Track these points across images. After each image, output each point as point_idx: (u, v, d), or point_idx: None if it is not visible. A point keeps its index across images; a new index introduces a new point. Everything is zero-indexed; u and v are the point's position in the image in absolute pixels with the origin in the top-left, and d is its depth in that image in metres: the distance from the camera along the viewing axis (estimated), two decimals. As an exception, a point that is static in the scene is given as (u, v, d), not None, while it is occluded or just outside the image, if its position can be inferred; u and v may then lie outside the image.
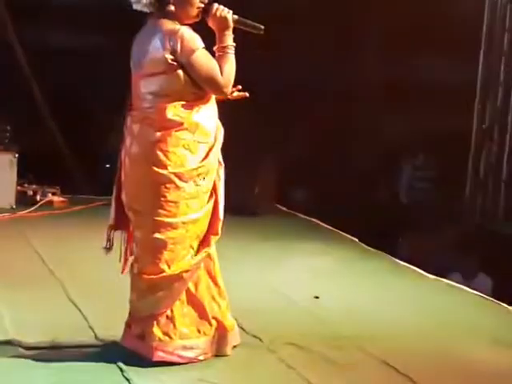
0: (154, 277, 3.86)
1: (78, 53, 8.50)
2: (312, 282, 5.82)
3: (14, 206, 7.69)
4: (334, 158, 8.93)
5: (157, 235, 3.84)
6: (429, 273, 6.26)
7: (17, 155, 7.78)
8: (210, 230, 3.92)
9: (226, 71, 3.79)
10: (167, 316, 3.90)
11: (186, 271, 3.84)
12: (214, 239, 3.93)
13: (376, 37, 9.18)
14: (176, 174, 3.79)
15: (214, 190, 3.95)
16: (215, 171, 3.94)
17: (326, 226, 7.76)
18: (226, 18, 3.82)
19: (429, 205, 9.29)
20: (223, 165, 3.99)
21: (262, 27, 3.89)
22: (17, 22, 8.39)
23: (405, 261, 6.62)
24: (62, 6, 8.72)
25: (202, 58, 3.77)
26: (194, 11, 3.83)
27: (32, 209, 7.66)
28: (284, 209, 8.43)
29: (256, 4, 8.30)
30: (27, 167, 8.01)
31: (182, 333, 3.90)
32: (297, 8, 8.66)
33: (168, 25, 3.80)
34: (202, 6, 3.85)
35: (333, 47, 8.61)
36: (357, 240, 7.20)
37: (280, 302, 5.27)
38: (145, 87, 3.85)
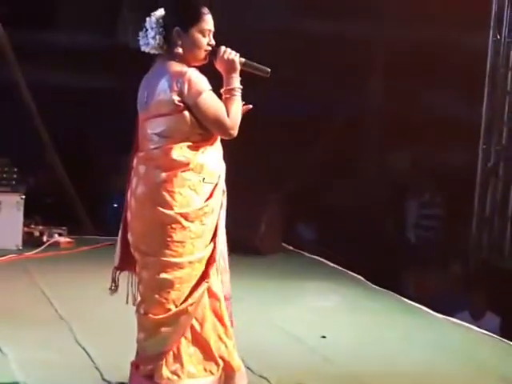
0: (161, 317, 3.86)
1: (83, 93, 8.56)
2: (319, 321, 5.81)
3: (21, 247, 7.70)
4: (339, 196, 8.93)
5: (163, 275, 3.84)
6: (436, 311, 6.24)
7: (23, 196, 7.81)
8: (209, 259, 3.91)
9: (233, 113, 3.81)
10: (174, 355, 3.88)
11: (191, 305, 3.84)
12: (212, 269, 3.89)
13: (381, 74, 9.22)
14: (182, 215, 3.80)
15: (217, 220, 3.95)
16: (220, 208, 3.95)
17: (332, 264, 7.75)
18: (233, 61, 3.84)
19: (435, 242, 9.28)
20: (226, 192, 3.98)
21: (269, 70, 3.91)
22: (22, 62, 8.45)
23: (412, 299, 6.60)
24: (68, 47, 8.81)
25: (209, 100, 3.78)
26: (202, 54, 3.86)
27: (39, 250, 7.66)
28: (290, 247, 8.42)
29: (263, 44, 8.42)
30: (34, 208, 8.04)
31: (189, 372, 3.88)
32: (304, 47, 8.70)
33: (175, 67, 3.83)
34: (210, 48, 3.87)
35: (336, 83, 8.64)
36: (363, 278, 7.18)
37: (287, 342, 5.25)
38: (151, 128, 3.87)
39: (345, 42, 8.71)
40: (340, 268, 7.60)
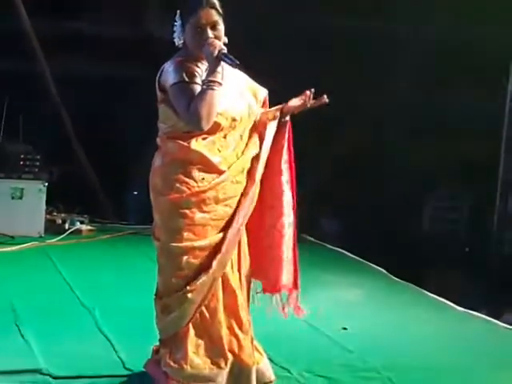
0: (163, 299, 3.89)
1: (108, 82, 8.56)
2: (340, 313, 5.80)
3: (43, 235, 7.75)
4: (362, 189, 8.90)
5: (162, 260, 3.89)
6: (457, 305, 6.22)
7: (46, 184, 7.85)
8: (214, 249, 3.86)
9: (194, 106, 3.65)
10: (180, 344, 3.88)
11: (190, 291, 3.82)
12: (215, 259, 3.84)
13: (405, 68, 9.18)
14: (174, 201, 3.79)
15: (237, 206, 3.91)
16: (234, 200, 3.90)
17: (353, 256, 7.74)
18: (211, 54, 3.70)
19: (457, 237, 9.24)
20: (257, 184, 3.94)
21: (238, 62, 3.78)
22: (47, 51, 8.48)
23: (433, 293, 6.57)
24: (93, 36, 8.82)
25: (175, 90, 3.72)
26: (200, 48, 3.76)
27: (60, 237, 7.71)
28: (312, 239, 8.41)
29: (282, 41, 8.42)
30: (56, 196, 8.08)
31: (193, 363, 3.86)
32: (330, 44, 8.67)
33: (175, 57, 3.84)
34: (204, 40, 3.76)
35: (359, 78, 8.61)
36: (385, 271, 7.16)
37: (308, 334, 5.25)
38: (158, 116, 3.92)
39: (368, 38, 8.66)
40: (362, 260, 7.59)
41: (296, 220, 4.09)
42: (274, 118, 4.04)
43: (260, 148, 3.98)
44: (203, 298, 3.85)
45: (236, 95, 3.92)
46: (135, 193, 8.50)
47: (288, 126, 4.08)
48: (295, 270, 4.18)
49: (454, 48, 8.56)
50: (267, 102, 4.12)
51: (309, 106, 3.99)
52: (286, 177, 4.09)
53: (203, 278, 3.83)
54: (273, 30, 8.41)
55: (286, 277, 4.13)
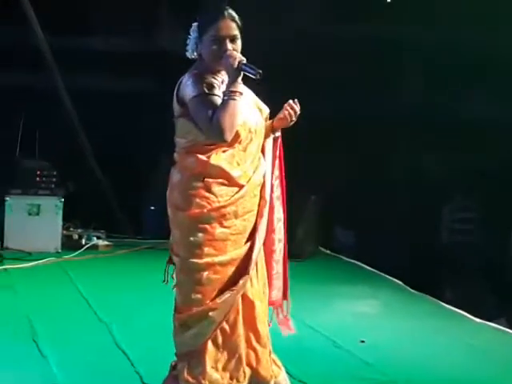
0: (183, 315, 3.83)
1: (121, 97, 8.60)
2: (357, 325, 5.79)
3: (60, 250, 7.78)
4: (377, 200, 8.89)
5: (182, 275, 3.83)
6: (473, 317, 6.20)
7: (62, 200, 7.88)
8: (242, 270, 3.84)
9: (217, 117, 3.65)
10: (198, 359, 3.82)
11: (213, 309, 3.78)
12: (242, 279, 3.82)
13: (417, 76, 9.18)
14: (195, 216, 3.76)
15: (254, 229, 3.89)
16: (253, 214, 3.89)
17: (369, 268, 7.72)
18: (231, 66, 3.70)
19: (472, 247, 9.20)
20: (268, 202, 3.93)
21: (260, 71, 3.78)
22: (61, 66, 8.53)
23: (449, 304, 6.55)
24: (106, 51, 8.87)
25: (196, 103, 3.70)
26: (216, 60, 3.75)
27: (77, 253, 7.74)
28: (327, 251, 8.41)
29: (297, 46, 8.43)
30: (73, 211, 8.11)
31: (212, 378, 3.81)
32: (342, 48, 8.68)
33: (192, 70, 3.82)
34: (223, 52, 3.75)
35: (375, 86, 8.61)
36: (401, 283, 7.15)
37: (326, 347, 5.24)
38: (175, 130, 3.90)
39: (380, 43, 8.67)
40: (378, 272, 7.57)
41: (286, 235, 4.06)
42: (269, 136, 4.04)
43: None
44: (224, 317, 3.81)
45: (250, 107, 3.93)
46: (152, 208, 8.51)
47: (279, 142, 4.05)
48: (285, 283, 4.15)
49: (470, 58, 8.54)
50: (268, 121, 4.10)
51: (292, 117, 3.93)
52: (276, 193, 4.05)
53: (226, 296, 3.79)
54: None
55: (275, 293, 4.10)
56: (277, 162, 4.04)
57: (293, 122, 3.96)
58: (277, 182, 4.05)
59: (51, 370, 4.51)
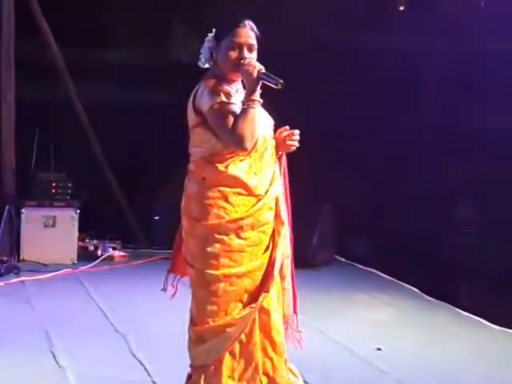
0: (198, 328, 3.80)
1: (136, 109, 8.64)
2: (373, 333, 5.78)
3: (76, 261, 7.80)
4: (392, 208, 8.87)
5: (198, 287, 3.80)
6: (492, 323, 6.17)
7: (78, 211, 7.91)
8: (262, 287, 3.82)
9: (238, 126, 3.66)
10: (215, 369, 3.79)
11: (230, 325, 3.76)
12: (261, 297, 3.80)
13: (433, 87, 9.16)
14: (213, 227, 3.74)
15: (273, 246, 3.88)
16: (269, 227, 3.86)
17: (385, 276, 7.71)
18: (251, 74, 3.71)
19: (491, 255, 9.16)
20: (285, 223, 3.90)
21: (281, 81, 3.78)
22: (76, 80, 8.58)
23: (467, 311, 6.53)
24: (120, 63, 8.91)
25: (216, 111, 3.69)
26: (233, 68, 3.75)
27: (93, 264, 7.76)
28: (343, 260, 8.40)
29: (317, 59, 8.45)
30: (88, 223, 8.14)
31: None
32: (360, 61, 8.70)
33: (207, 79, 3.80)
34: (240, 61, 3.75)
35: (393, 96, 8.61)
36: (418, 290, 7.13)
37: (342, 355, 5.23)
38: (190, 141, 3.89)
39: (398, 55, 8.68)
40: (393, 279, 7.56)
41: (293, 250, 4.03)
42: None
43: None
44: (239, 334, 3.77)
45: (264, 115, 3.93)
46: (156, 218, 8.58)
47: (284, 160, 4.00)
48: (294, 298, 4.12)
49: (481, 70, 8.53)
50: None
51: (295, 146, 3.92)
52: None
53: (245, 313, 3.76)
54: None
55: (286, 309, 4.08)
56: (281, 179, 4.02)
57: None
58: (282, 199, 4.03)
59: (69, 381, 4.52)
